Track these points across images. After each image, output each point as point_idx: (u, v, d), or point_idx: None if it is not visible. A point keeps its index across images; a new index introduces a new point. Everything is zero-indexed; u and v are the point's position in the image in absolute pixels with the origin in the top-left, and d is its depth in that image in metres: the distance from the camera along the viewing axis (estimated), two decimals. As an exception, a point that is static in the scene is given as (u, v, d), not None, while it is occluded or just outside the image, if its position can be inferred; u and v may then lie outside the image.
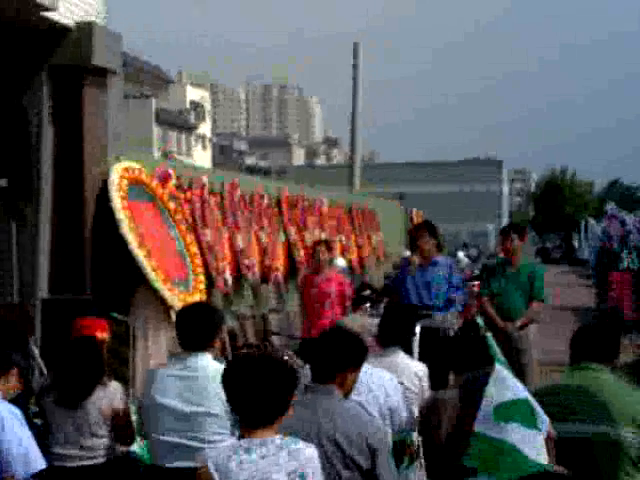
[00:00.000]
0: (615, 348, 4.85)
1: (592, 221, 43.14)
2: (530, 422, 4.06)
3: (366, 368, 5.08)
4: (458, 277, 9.53)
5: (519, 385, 4.20)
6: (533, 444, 4.04)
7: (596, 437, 4.51)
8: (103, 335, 6.63)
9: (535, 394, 4.42)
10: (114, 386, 5.64)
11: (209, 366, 5.20)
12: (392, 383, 5.47)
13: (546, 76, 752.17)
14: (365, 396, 4.98)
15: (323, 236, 14.75)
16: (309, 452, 3.56)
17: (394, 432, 5.30)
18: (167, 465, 5.11)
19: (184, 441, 5.08)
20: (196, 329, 5.20)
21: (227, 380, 3.63)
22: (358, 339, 4.48)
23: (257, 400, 3.51)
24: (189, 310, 5.45)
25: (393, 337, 6.23)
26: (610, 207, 23.00)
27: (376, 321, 6.60)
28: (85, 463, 5.47)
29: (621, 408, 4.55)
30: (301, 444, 3.55)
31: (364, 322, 5.83)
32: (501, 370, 4.21)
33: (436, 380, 6.55)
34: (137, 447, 5.98)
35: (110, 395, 5.55)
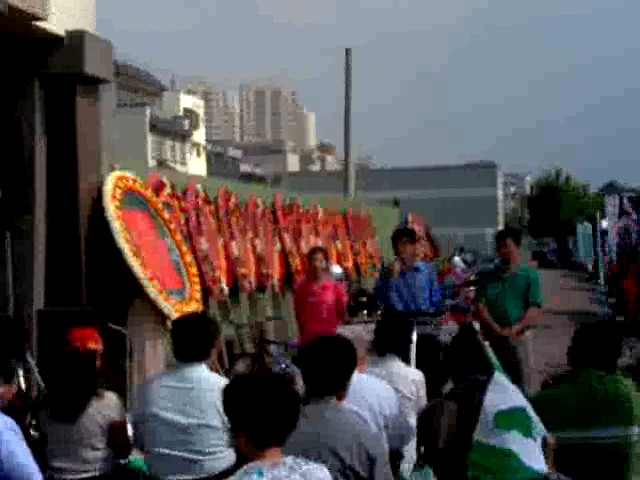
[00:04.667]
0: (616, 351, 4.82)
1: (586, 224, 43.21)
2: (527, 431, 4.04)
3: (360, 376, 5.06)
4: (437, 288, 9.56)
5: (517, 393, 4.18)
6: (532, 452, 4.02)
7: (606, 439, 4.50)
8: (96, 346, 6.58)
9: (535, 401, 4.40)
10: (109, 397, 5.59)
11: (205, 377, 5.18)
12: (386, 390, 5.44)
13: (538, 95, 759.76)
14: (359, 404, 4.95)
15: (319, 243, 14.70)
16: (321, 473, 3.49)
17: (389, 440, 5.26)
18: (165, 478, 5.07)
19: (181, 454, 5.05)
20: (192, 340, 5.18)
21: (232, 401, 3.52)
22: (350, 347, 4.45)
23: (266, 421, 3.43)
24: (184, 321, 5.43)
25: (390, 345, 6.20)
26: (627, 203, 23.02)
27: (372, 327, 6.56)
28: (83, 476, 5.42)
29: (629, 408, 4.54)
30: (313, 465, 3.48)
31: (357, 330, 5.80)
32: (500, 378, 4.18)
33: (432, 388, 6.52)
34: (135, 458, 5.93)
35: (105, 407, 5.50)
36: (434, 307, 9.19)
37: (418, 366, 7.21)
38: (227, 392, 3.57)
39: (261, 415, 3.41)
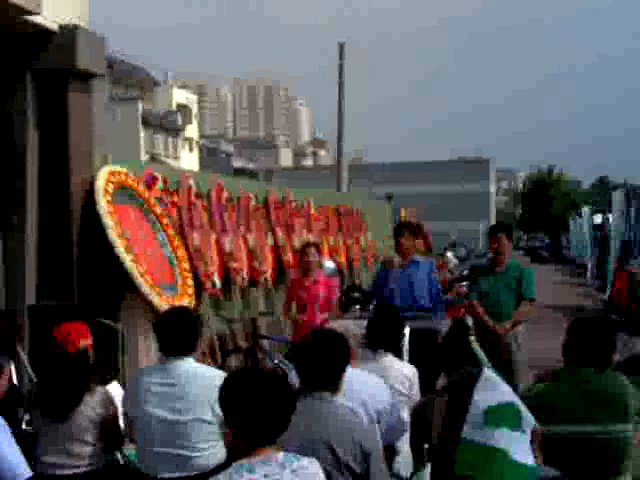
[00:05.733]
0: (611, 347, 4.81)
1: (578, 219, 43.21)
2: (516, 424, 4.05)
3: (353, 371, 5.06)
4: (437, 282, 9.50)
5: (506, 388, 4.18)
6: (522, 447, 4.03)
7: (601, 435, 4.50)
8: (85, 342, 6.54)
9: (528, 396, 4.40)
10: (101, 392, 5.57)
11: (194, 370, 5.14)
12: (379, 386, 5.43)
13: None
14: (352, 398, 4.94)
15: (311, 238, 14.69)
16: (313, 468, 3.47)
17: (382, 436, 5.26)
18: (157, 475, 5.05)
19: (173, 450, 5.01)
20: (177, 335, 5.14)
21: (225, 399, 3.49)
22: (343, 342, 4.46)
23: (260, 420, 3.40)
24: (168, 316, 5.38)
25: (381, 340, 6.19)
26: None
27: (364, 322, 6.56)
28: (75, 471, 5.41)
29: (624, 405, 4.54)
30: (304, 461, 3.46)
31: (347, 325, 5.78)
32: (489, 373, 4.19)
33: (426, 382, 6.52)
34: (128, 453, 5.91)
35: (98, 402, 5.48)
36: (434, 301, 9.16)
37: (415, 360, 7.20)
38: (221, 389, 3.54)
39: (253, 415, 3.39)
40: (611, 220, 26.84)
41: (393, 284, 9.08)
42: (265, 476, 3.32)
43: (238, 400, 3.43)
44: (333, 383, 4.34)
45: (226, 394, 3.49)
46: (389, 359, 6.17)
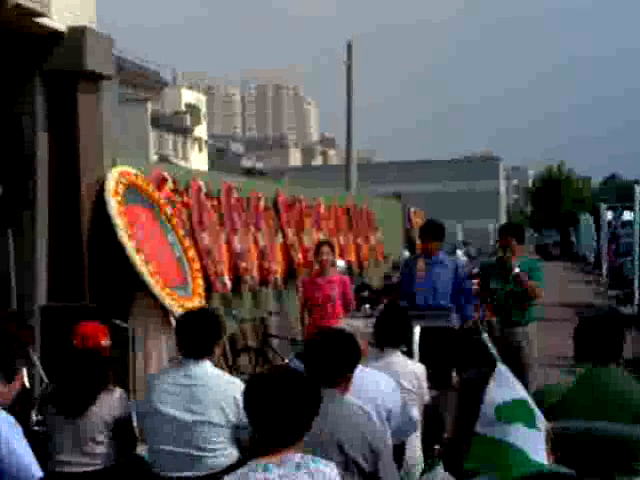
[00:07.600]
0: (619, 343, 4.80)
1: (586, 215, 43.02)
2: (530, 422, 4.05)
3: (363, 370, 5.06)
4: (467, 281, 9.41)
5: (519, 386, 4.19)
6: (535, 444, 4.02)
7: (613, 434, 4.49)
8: (105, 342, 6.58)
9: (541, 392, 4.40)
10: (118, 393, 5.59)
11: (210, 374, 5.14)
12: (389, 385, 5.43)
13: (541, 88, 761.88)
14: (362, 397, 4.94)
15: (321, 237, 14.68)
16: (329, 472, 3.44)
17: (392, 434, 5.26)
18: (168, 475, 5.06)
19: (184, 450, 5.02)
20: (197, 336, 5.14)
21: (249, 400, 3.47)
22: (353, 340, 4.46)
23: (282, 422, 3.39)
24: (190, 316, 5.38)
25: (389, 339, 6.20)
26: None
27: (373, 321, 6.55)
28: (88, 469, 5.42)
29: (631, 403, 4.52)
30: (321, 463, 3.43)
31: (357, 324, 5.78)
32: (502, 370, 4.19)
33: (439, 380, 6.52)
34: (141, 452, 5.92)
35: (113, 402, 5.50)
36: (462, 299, 9.09)
37: (428, 358, 7.17)
38: (246, 389, 3.53)
39: (275, 415, 3.38)
40: (609, 217, 26.60)
41: (417, 285, 9.02)
42: (280, 477, 3.32)
43: (261, 400, 3.42)
44: (342, 382, 4.34)
45: (250, 394, 3.48)
46: (397, 357, 6.17)
